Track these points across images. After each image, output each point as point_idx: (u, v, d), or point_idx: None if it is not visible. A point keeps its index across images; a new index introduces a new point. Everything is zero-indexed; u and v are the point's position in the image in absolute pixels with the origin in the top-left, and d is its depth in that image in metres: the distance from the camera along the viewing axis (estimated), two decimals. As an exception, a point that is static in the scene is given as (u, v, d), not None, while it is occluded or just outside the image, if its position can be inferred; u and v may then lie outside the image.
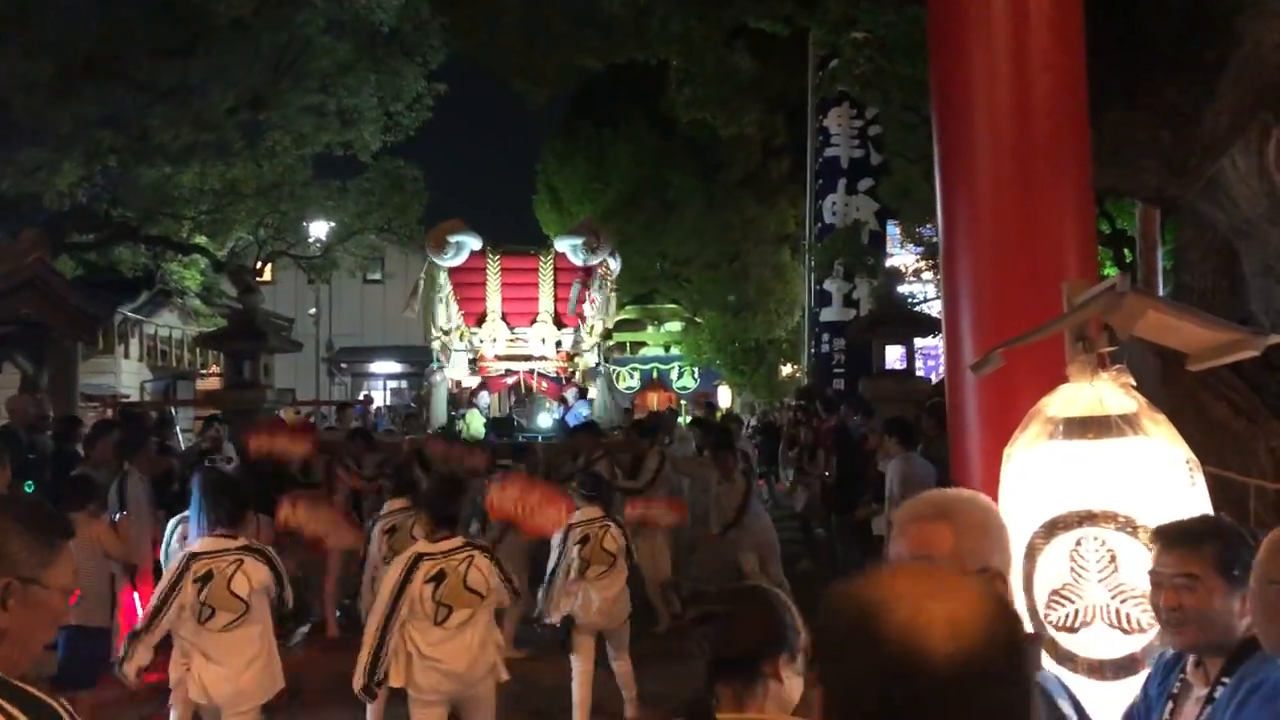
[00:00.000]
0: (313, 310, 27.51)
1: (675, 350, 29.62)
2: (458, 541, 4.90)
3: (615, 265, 13.80)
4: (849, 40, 9.59)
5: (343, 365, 32.74)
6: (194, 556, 4.64)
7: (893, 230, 24.12)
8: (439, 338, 13.84)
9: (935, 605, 1.03)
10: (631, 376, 27.50)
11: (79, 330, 8.16)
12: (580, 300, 13.52)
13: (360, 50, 12.86)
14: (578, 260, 13.18)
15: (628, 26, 9.44)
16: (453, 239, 13.05)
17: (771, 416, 20.64)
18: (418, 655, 4.72)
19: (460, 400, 13.61)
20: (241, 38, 12.17)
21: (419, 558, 4.76)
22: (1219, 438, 4.89)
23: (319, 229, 19.25)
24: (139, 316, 23.87)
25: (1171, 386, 5.56)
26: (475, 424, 12.86)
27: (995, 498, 3.70)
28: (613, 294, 14.14)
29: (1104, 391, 2.77)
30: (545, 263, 13.41)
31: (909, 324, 12.22)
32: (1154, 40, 6.88)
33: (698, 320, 28.03)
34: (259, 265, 19.01)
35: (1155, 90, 6.79)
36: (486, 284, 13.41)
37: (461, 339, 13.70)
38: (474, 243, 13.23)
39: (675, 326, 29.62)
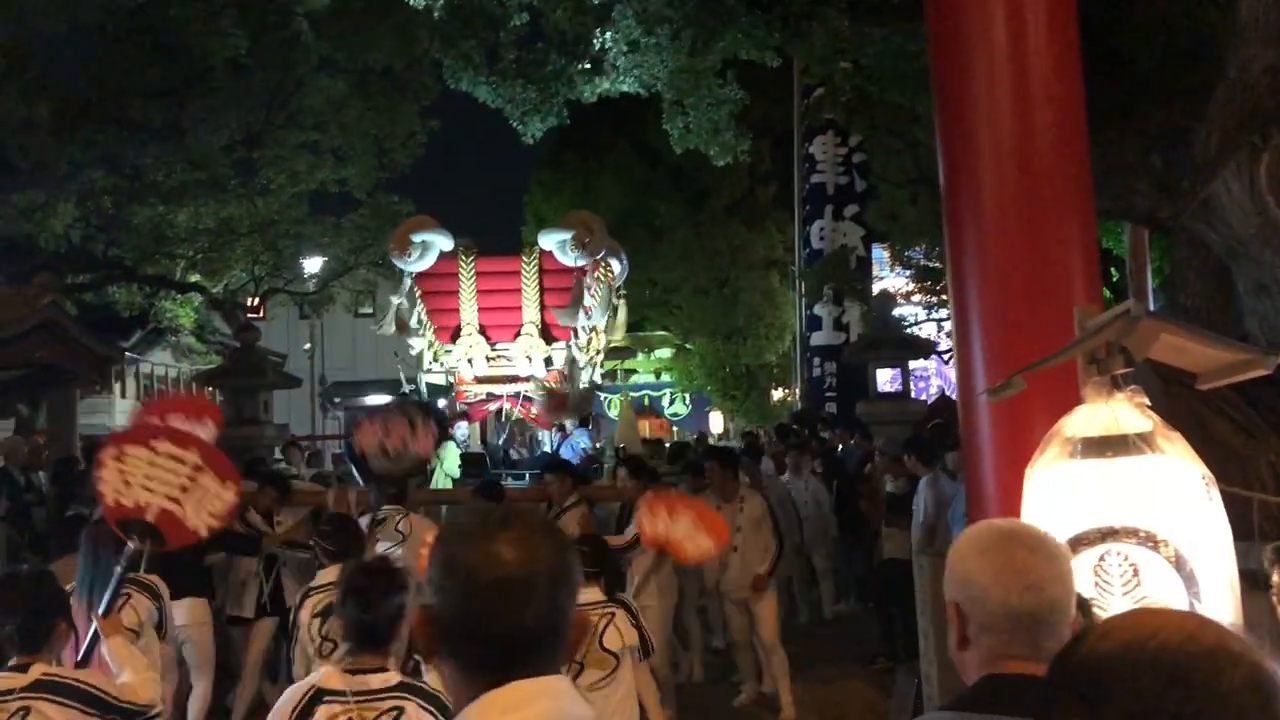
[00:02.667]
0: (307, 345, 27.54)
1: (666, 377, 29.71)
2: (597, 595, 4.54)
3: (618, 267, 11.49)
4: (838, 70, 9.74)
5: (336, 399, 32.72)
6: None
7: (878, 254, 24.39)
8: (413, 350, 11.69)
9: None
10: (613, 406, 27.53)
11: (92, 372, 8.21)
12: (578, 302, 11.29)
13: (353, 88, 12.97)
14: (567, 260, 11.09)
15: (621, 63, 9.58)
16: (417, 238, 11.00)
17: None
18: None
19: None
20: (235, 77, 12.31)
21: None
22: (1220, 453, 5.00)
23: (314, 265, 19.36)
24: (133, 355, 23.91)
25: (1174, 404, 5.68)
26: (450, 461, 10.61)
27: (1015, 516, 3.81)
28: (620, 301, 11.86)
29: (1119, 411, 2.87)
30: (529, 264, 11.26)
31: (903, 347, 12.36)
32: (1136, 64, 7.07)
33: (688, 346, 28.15)
34: (255, 302, 19.11)
35: (1143, 113, 6.97)
36: (460, 291, 11.25)
37: (435, 359, 11.56)
38: (444, 242, 11.15)
39: (666, 353, 29.73)
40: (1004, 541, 1.94)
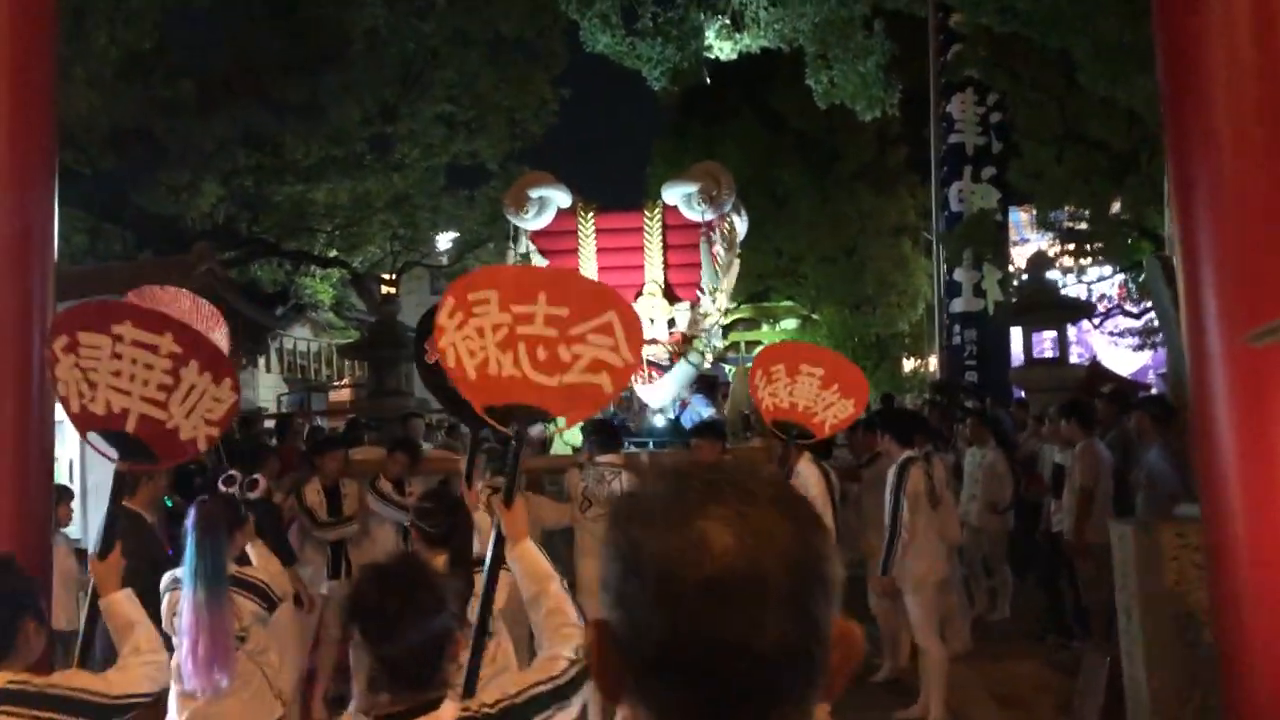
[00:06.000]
0: (440, 320, 27.74)
1: (793, 348, 29.07)
2: None
3: (741, 225, 10.98)
4: (993, 16, 9.20)
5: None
6: None
7: (1015, 218, 23.43)
8: None
9: None
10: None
11: (249, 341, 8.25)
12: (713, 260, 10.58)
13: (485, 59, 12.89)
14: (694, 214, 10.48)
15: (763, 16, 9.25)
16: (534, 194, 10.52)
17: None
18: None
19: None
20: (370, 51, 12.36)
21: None
22: None
23: (444, 240, 19.45)
24: (276, 330, 24.57)
25: None
26: (570, 430, 9.78)
27: (1261, 482, 3.40)
28: (736, 260, 11.19)
29: None
30: (652, 220, 10.68)
31: (1062, 309, 11.68)
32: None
33: (814, 317, 27.56)
34: (392, 276, 19.32)
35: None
36: (579, 250, 10.71)
37: None
38: (562, 199, 10.70)
39: (791, 324, 29.17)
40: None
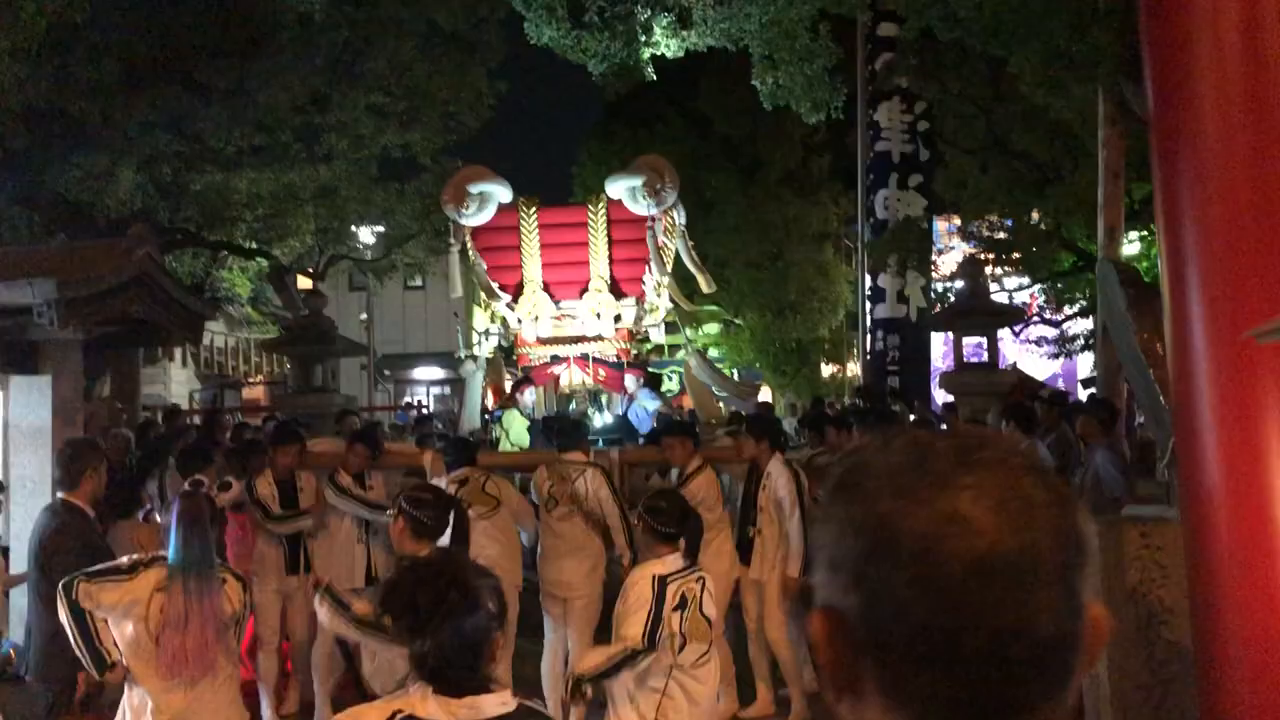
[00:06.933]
0: (363, 316, 27.26)
1: (714, 352, 29.26)
2: (679, 562, 4.12)
3: (680, 218, 10.77)
4: (936, 23, 9.29)
5: (385, 372, 32.65)
6: None
7: (937, 226, 23.83)
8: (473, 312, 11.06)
9: None
10: (670, 379, 27.00)
11: (185, 329, 7.88)
12: (658, 252, 10.36)
13: (419, 49, 12.61)
14: (638, 208, 10.21)
15: (710, 15, 9.22)
16: (474, 189, 10.28)
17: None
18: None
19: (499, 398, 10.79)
20: (301, 37, 12.00)
21: (663, 580, 3.99)
22: None
23: (367, 235, 18.97)
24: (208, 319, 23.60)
25: (1141, 308, 5.28)
26: (517, 428, 10.01)
27: (1235, 489, 3.42)
28: (692, 249, 11.06)
29: None
30: (596, 214, 10.44)
31: (993, 315, 11.86)
32: None
33: (738, 321, 27.72)
34: (319, 269, 18.75)
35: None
36: (522, 246, 10.46)
37: (493, 320, 10.89)
38: (503, 193, 10.41)
39: (714, 329, 29.29)
40: None
